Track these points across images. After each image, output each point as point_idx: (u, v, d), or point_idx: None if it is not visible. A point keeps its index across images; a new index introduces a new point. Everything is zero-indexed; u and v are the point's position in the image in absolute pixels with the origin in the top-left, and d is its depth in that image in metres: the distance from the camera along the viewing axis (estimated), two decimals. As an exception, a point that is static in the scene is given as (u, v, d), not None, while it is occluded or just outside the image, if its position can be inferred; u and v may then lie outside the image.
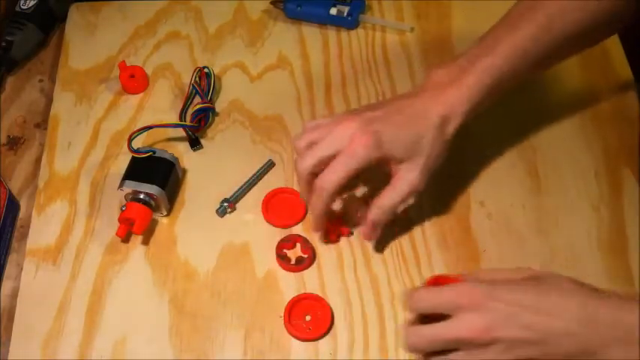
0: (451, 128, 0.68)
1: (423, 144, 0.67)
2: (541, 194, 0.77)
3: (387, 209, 0.68)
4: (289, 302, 0.69)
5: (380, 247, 0.73)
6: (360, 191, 0.76)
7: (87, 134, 0.82)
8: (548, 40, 0.68)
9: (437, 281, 0.63)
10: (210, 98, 0.83)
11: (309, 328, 0.68)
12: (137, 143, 0.77)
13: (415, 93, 0.70)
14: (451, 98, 0.67)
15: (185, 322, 0.70)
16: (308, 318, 0.69)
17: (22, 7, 0.91)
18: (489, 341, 0.55)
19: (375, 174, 0.69)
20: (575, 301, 0.56)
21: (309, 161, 0.67)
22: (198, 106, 0.81)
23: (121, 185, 0.74)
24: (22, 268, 0.73)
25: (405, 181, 0.67)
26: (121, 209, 0.73)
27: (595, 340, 0.55)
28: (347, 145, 0.65)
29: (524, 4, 0.70)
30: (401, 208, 0.71)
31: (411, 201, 0.72)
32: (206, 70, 0.84)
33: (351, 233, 0.74)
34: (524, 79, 0.71)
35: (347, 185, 0.67)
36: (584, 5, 0.68)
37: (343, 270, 0.73)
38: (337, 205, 0.74)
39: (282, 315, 0.69)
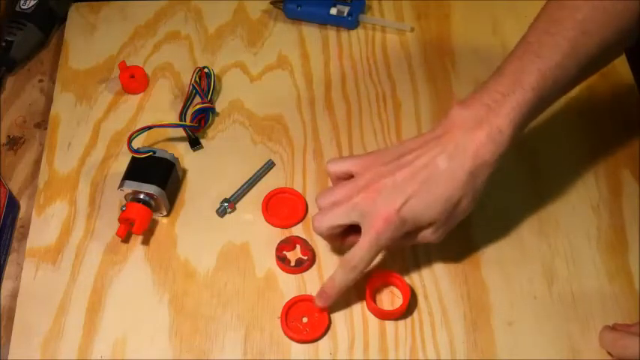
0: (481, 180, 0.64)
1: (449, 206, 0.64)
2: (541, 195, 0.77)
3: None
4: (286, 304, 0.69)
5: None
6: None
7: (87, 134, 0.82)
8: (575, 65, 0.64)
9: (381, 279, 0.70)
10: (210, 98, 0.83)
11: (306, 330, 0.68)
12: (137, 143, 0.77)
13: (438, 138, 0.64)
14: (481, 146, 0.62)
15: (185, 322, 0.70)
16: (305, 320, 0.69)
17: (22, 7, 0.91)
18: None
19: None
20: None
21: (327, 223, 0.67)
22: (198, 106, 0.81)
23: (121, 185, 0.74)
24: (22, 268, 0.73)
25: (425, 236, 0.67)
26: (121, 209, 0.73)
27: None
28: (369, 224, 0.64)
29: (541, 27, 0.65)
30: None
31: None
32: (206, 70, 0.84)
33: None
34: (551, 105, 0.68)
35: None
36: (604, 25, 0.64)
37: (343, 270, 0.73)
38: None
39: (280, 316, 0.69)
